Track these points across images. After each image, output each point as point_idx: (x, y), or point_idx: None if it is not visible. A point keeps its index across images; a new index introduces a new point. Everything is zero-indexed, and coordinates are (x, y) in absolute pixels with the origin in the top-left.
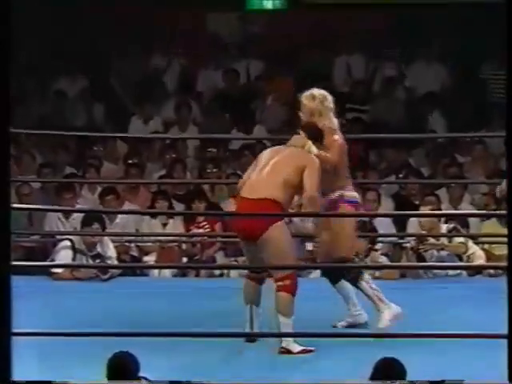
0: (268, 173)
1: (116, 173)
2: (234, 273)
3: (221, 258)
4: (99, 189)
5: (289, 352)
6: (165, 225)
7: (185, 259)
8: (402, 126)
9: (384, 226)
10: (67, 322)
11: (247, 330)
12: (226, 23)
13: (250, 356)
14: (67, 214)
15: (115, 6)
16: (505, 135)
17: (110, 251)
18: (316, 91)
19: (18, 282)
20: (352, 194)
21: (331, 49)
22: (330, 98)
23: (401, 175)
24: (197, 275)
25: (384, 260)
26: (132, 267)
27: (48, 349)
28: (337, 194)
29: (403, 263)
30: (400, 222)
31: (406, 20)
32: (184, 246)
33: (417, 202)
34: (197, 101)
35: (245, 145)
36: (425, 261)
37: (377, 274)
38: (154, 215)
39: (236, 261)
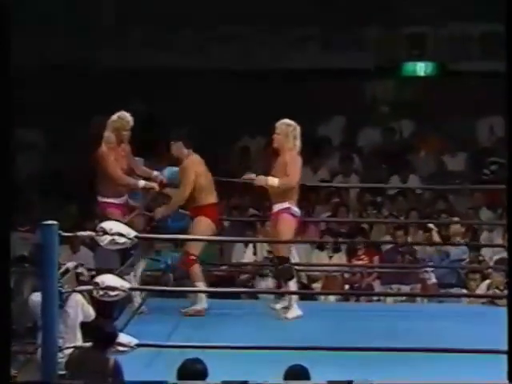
0: None
1: None
2: (389, 299)
3: (378, 286)
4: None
5: None
6: (331, 257)
7: (347, 286)
8: None
9: None
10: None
11: None
12: (383, 88)
13: None
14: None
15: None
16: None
17: None
18: (289, 120)
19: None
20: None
21: (475, 111)
22: (298, 128)
23: None
24: (357, 300)
25: None
26: (303, 293)
27: None
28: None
29: None
30: None
31: None
32: (346, 275)
33: None
34: (358, 154)
35: (399, 191)
36: None
37: None
38: (321, 249)
39: (391, 288)
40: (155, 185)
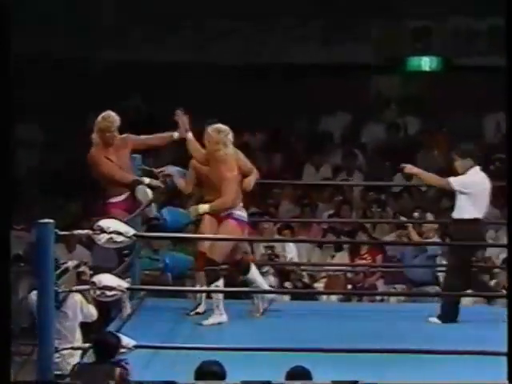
0: None
1: (292, 211)
2: (393, 298)
3: (381, 286)
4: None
5: None
6: (333, 256)
7: (349, 286)
8: None
9: None
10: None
11: None
12: (387, 83)
13: None
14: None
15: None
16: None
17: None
18: (221, 125)
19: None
20: (241, 213)
21: (481, 107)
22: (231, 133)
23: None
24: (359, 300)
25: None
26: (306, 293)
27: None
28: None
29: None
30: None
31: None
32: (349, 275)
33: None
34: (361, 150)
35: (404, 189)
36: None
37: None
38: (322, 247)
39: (394, 288)
40: (159, 182)
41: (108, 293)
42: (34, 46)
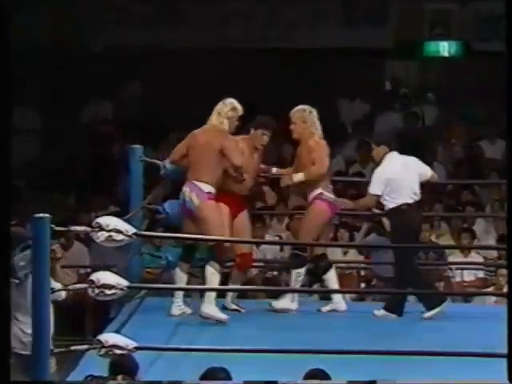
0: None
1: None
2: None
3: None
4: (286, 220)
5: None
6: (345, 253)
7: (363, 285)
8: None
9: None
10: None
11: None
12: (404, 70)
13: None
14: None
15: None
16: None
17: None
18: (302, 106)
19: None
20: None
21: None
22: (314, 111)
23: None
24: (374, 300)
25: None
26: (316, 291)
27: None
28: None
29: None
30: None
31: None
32: (362, 273)
33: None
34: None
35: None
36: None
37: None
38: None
39: None
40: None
41: (107, 291)
42: (32, 32)
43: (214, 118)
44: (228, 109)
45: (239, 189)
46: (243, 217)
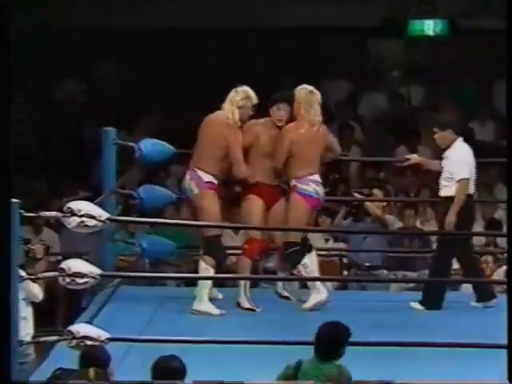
0: None
1: None
2: (394, 286)
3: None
4: None
5: None
6: (327, 240)
7: (346, 272)
8: None
9: None
10: None
11: None
12: (388, 48)
13: None
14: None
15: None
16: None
17: None
18: (311, 87)
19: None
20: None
21: (492, 74)
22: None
23: None
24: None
25: None
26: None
27: None
28: None
29: None
30: None
31: None
32: (345, 260)
33: None
34: (358, 122)
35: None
36: None
37: None
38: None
39: (395, 275)
40: None
41: (79, 280)
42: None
43: (226, 108)
44: (240, 97)
45: (268, 180)
46: (277, 209)
